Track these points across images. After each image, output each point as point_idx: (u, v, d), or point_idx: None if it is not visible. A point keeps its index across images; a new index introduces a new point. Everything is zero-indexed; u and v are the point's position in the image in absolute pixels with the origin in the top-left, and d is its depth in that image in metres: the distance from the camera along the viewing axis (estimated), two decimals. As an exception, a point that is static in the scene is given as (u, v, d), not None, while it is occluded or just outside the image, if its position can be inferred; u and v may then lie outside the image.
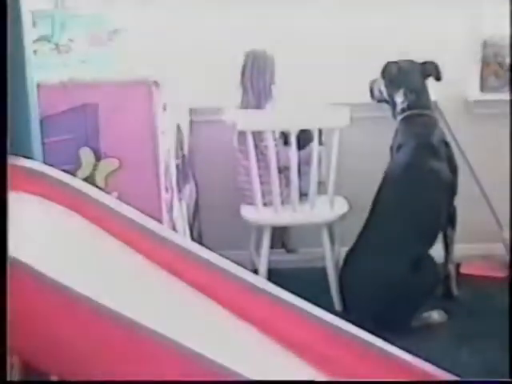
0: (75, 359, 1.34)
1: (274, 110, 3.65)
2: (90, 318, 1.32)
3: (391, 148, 3.64)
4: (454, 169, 3.61)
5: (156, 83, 2.88)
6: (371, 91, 3.85)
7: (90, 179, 2.82)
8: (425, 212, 3.43)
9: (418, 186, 3.46)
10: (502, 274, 3.98)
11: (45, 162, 1.94)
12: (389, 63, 3.75)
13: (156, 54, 3.36)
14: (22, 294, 1.30)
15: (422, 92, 3.69)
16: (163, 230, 1.97)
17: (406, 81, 3.69)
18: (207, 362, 1.33)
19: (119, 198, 2.64)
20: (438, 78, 3.70)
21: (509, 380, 2.62)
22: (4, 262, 1.28)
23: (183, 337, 1.35)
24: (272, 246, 3.75)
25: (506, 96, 4.02)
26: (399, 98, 3.69)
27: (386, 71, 3.75)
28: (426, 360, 1.94)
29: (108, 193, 2.53)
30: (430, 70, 3.69)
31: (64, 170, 1.88)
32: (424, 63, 3.71)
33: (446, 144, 3.64)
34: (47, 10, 3.14)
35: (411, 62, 3.75)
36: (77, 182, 1.89)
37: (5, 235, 1.32)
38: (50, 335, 1.33)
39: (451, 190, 3.58)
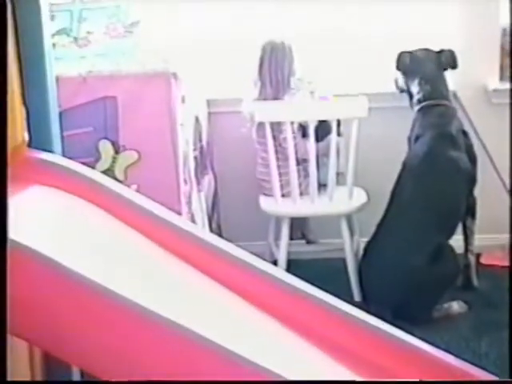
0: (77, 341, 1.35)
1: (292, 102, 3.63)
2: (94, 301, 1.32)
3: (409, 139, 3.62)
4: (473, 159, 3.59)
5: (174, 75, 2.88)
6: (396, 81, 3.82)
7: (109, 172, 2.83)
8: (444, 202, 3.42)
9: (437, 176, 3.44)
10: (523, 264, 3.96)
11: (64, 155, 1.94)
12: (402, 53, 3.71)
13: (174, 46, 3.36)
14: (26, 278, 1.31)
15: (439, 82, 3.65)
16: (182, 222, 1.97)
17: (421, 71, 3.66)
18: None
19: (138, 190, 2.65)
20: (453, 67, 3.67)
21: (509, 380, 2.61)
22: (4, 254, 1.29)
23: (202, 328, 1.35)
24: (291, 237, 3.75)
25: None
26: (415, 89, 3.66)
27: (399, 61, 3.71)
28: (446, 351, 1.94)
29: (127, 185, 2.54)
30: (447, 58, 3.66)
31: (83, 163, 1.89)
32: (440, 52, 3.68)
33: (465, 134, 3.61)
34: (65, 3, 3.15)
35: (426, 50, 3.71)
36: (96, 175, 1.90)
37: (5, 230, 1.33)
38: (51, 316, 1.33)
39: (470, 179, 3.56)
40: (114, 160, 2.89)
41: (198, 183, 3.35)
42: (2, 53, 1.55)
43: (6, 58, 1.58)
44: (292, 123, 3.54)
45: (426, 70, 3.66)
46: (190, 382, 1.33)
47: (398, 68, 3.73)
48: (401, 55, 3.71)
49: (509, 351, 2.89)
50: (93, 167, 2.27)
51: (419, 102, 3.63)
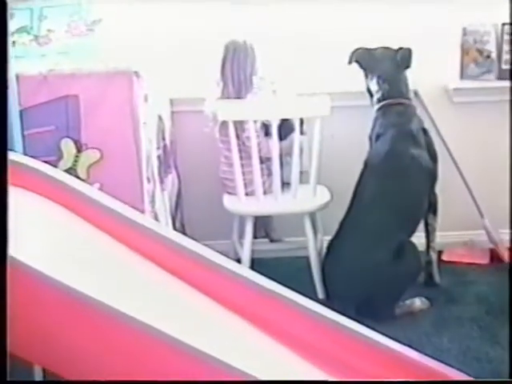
0: (74, 357, 1.34)
1: (254, 100, 3.63)
2: (88, 316, 1.32)
3: (370, 137, 3.63)
4: (433, 156, 3.62)
5: (137, 74, 2.87)
6: None
7: (71, 170, 2.81)
8: (406, 199, 3.44)
9: (398, 174, 3.47)
10: (484, 260, 4.01)
11: (26, 154, 1.93)
12: (358, 49, 3.72)
13: (137, 45, 3.35)
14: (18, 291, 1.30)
15: (397, 80, 3.66)
16: (145, 221, 1.97)
17: (379, 69, 3.67)
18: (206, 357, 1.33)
19: (101, 189, 2.63)
20: (407, 66, 3.67)
21: (509, 380, 2.65)
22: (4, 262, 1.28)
23: (170, 327, 1.35)
24: (255, 236, 3.75)
25: (485, 83, 4.03)
26: (374, 87, 3.67)
27: (353, 57, 3.72)
28: (409, 346, 1.96)
29: (90, 184, 2.52)
30: (403, 56, 3.66)
31: (45, 162, 1.87)
32: (398, 50, 3.70)
33: (425, 132, 3.65)
34: (25, 1, 3.12)
35: (384, 49, 3.72)
36: (58, 173, 1.88)
37: (5, 236, 1.32)
38: (49, 334, 1.33)
39: (432, 177, 3.59)
40: (76, 159, 2.87)
41: (162, 182, 3.34)
42: (2, 53, 1.53)
43: (6, 58, 1.56)
44: (255, 122, 3.54)
45: (384, 68, 3.67)
46: (189, 381, 1.33)
47: (349, 62, 3.72)
48: (356, 51, 3.72)
49: (509, 351, 2.92)
50: (55, 166, 2.26)
51: (379, 100, 3.64)
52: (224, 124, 3.58)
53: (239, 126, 3.58)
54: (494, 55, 4.03)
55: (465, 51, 4.06)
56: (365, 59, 3.71)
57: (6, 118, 1.50)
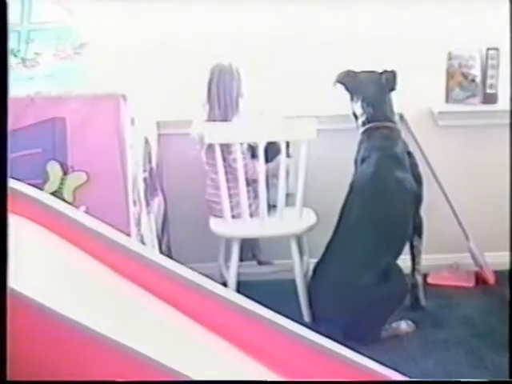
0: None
1: (241, 123, 3.65)
2: (89, 348, 1.33)
3: (355, 160, 3.64)
4: (418, 179, 3.64)
5: (124, 97, 2.88)
6: None
7: (57, 193, 2.81)
8: (391, 222, 3.46)
9: (384, 197, 3.49)
10: (469, 283, 4.02)
11: (12, 177, 1.93)
12: (344, 72, 3.76)
13: (124, 68, 3.37)
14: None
15: (382, 104, 3.68)
16: (131, 244, 1.97)
17: (364, 93, 3.70)
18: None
19: (87, 211, 2.63)
20: (392, 88, 3.70)
21: (509, 380, 2.65)
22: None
23: (150, 348, 1.35)
24: (242, 259, 3.75)
25: (470, 107, 4.06)
26: (358, 110, 3.70)
27: (338, 79, 3.75)
28: (395, 370, 1.96)
29: (76, 207, 2.52)
30: (388, 79, 3.69)
31: (31, 184, 1.87)
32: (382, 73, 3.73)
33: (410, 155, 3.67)
34: (13, 24, 3.13)
35: (369, 72, 3.75)
36: (44, 196, 1.88)
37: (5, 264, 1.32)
38: (46, 363, 1.33)
39: (417, 199, 3.61)
40: (63, 181, 2.87)
41: (148, 205, 3.34)
42: (2, 53, 1.53)
43: (6, 58, 1.56)
44: (241, 144, 3.55)
45: (369, 91, 3.69)
46: (191, 381, 1.33)
47: (334, 83, 3.75)
48: (341, 74, 3.75)
49: (509, 351, 2.92)
50: (41, 189, 2.25)
51: (364, 124, 3.66)
52: (210, 147, 3.59)
53: (226, 148, 3.59)
54: (478, 79, 4.07)
55: (450, 75, 4.09)
56: (350, 82, 3.74)
57: (6, 119, 1.50)
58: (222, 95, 3.67)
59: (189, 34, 3.95)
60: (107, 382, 1.36)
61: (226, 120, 3.65)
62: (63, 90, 2.90)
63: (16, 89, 2.76)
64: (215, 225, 3.71)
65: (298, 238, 3.74)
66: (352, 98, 3.74)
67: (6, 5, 1.58)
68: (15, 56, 3.02)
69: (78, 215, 1.92)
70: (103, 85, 2.96)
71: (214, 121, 3.66)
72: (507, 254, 3.93)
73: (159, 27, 3.90)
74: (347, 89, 3.75)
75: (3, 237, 1.33)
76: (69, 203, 2.64)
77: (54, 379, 1.34)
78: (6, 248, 1.34)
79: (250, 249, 4.03)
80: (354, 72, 3.75)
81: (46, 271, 1.61)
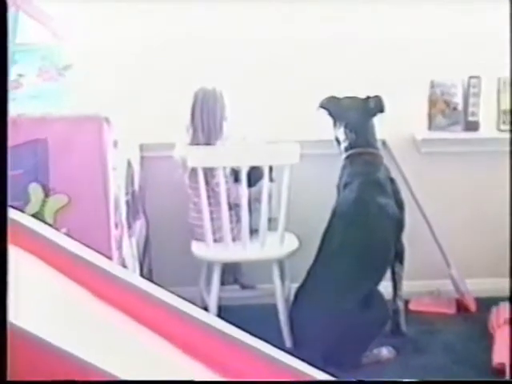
0: None
1: (224, 147, 3.65)
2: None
3: (338, 186, 3.66)
4: (400, 205, 3.65)
5: (107, 119, 2.87)
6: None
7: (38, 215, 2.79)
8: (372, 248, 3.46)
9: (366, 222, 3.49)
10: (450, 310, 4.03)
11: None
12: (327, 98, 3.79)
13: (107, 90, 3.36)
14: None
15: (365, 130, 3.71)
16: (112, 267, 1.96)
17: (346, 118, 3.72)
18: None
19: (68, 234, 2.61)
20: (381, 111, 3.72)
21: (509, 380, 2.65)
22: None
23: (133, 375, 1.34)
24: (223, 283, 3.74)
25: (452, 135, 4.11)
26: (341, 136, 3.72)
27: (322, 104, 3.78)
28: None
29: (57, 229, 2.50)
30: (375, 104, 3.73)
31: (12, 206, 1.86)
32: (367, 99, 3.75)
33: (392, 181, 3.68)
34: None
35: (352, 98, 3.78)
36: (24, 219, 1.87)
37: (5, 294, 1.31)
38: None
39: (398, 225, 3.62)
40: (44, 203, 2.85)
41: (130, 228, 3.33)
42: (2, 53, 1.51)
43: (6, 58, 1.54)
44: (224, 168, 3.55)
45: (352, 117, 3.72)
46: (191, 381, 1.32)
47: (318, 108, 3.78)
48: (325, 100, 3.77)
49: (509, 351, 2.91)
50: (22, 210, 2.24)
51: (346, 149, 3.68)
52: (193, 170, 3.59)
53: (209, 172, 3.59)
54: (460, 107, 4.11)
55: (432, 103, 4.13)
56: (333, 107, 3.76)
57: (7, 121, 1.49)
58: (205, 119, 3.68)
59: (172, 57, 3.97)
60: (107, 381, 1.35)
61: (209, 144, 3.66)
62: (46, 111, 2.89)
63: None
64: (197, 248, 3.70)
65: (280, 263, 3.74)
66: (335, 124, 3.76)
67: (6, 5, 1.57)
68: (-2, 77, 3.01)
69: (59, 238, 1.90)
70: (86, 107, 2.94)
71: (197, 144, 3.66)
72: (488, 280, 3.96)
73: (143, 50, 3.91)
74: (330, 114, 3.77)
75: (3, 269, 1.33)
76: (50, 225, 2.62)
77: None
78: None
79: (231, 273, 4.02)
80: (337, 97, 3.78)
81: (25, 294, 1.60)
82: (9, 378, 1.27)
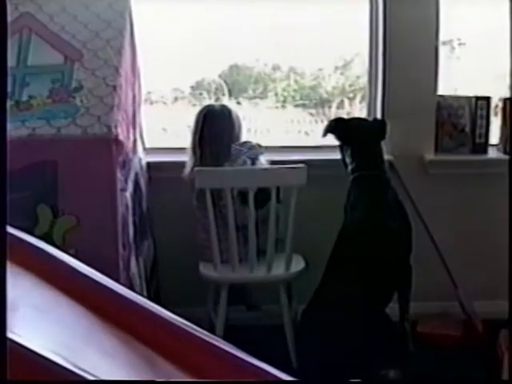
0: None
1: (232, 168, 3.66)
2: None
3: (345, 208, 3.65)
4: (408, 227, 3.64)
5: (116, 140, 2.90)
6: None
7: (47, 236, 2.81)
8: (380, 270, 3.45)
9: (373, 244, 3.48)
10: (457, 332, 4.01)
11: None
12: (334, 121, 3.80)
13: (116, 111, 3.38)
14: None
15: (372, 152, 3.70)
16: (120, 288, 1.97)
17: (354, 140, 3.72)
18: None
19: (76, 254, 2.63)
20: (382, 137, 3.73)
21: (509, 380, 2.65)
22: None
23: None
24: (231, 303, 3.74)
25: (459, 157, 4.11)
26: (348, 158, 3.72)
27: (328, 128, 3.78)
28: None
29: (65, 250, 2.52)
30: (379, 128, 3.73)
31: (21, 228, 1.88)
32: (373, 121, 3.76)
33: (399, 203, 3.68)
34: (9, 67, 3.15)
35: (359, 119, 3.79)
36: (33, 240, 1.89)
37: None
38: None
39: (406, 248, 3.61)
40: (53, 224, 2.87)
41: (137, 248, 3.34)
42: (2, 53, 1.53)
43: (6, 58, 1.56)
44: (232, 190, 3.57)
45: (359, 139, 3.72)
46: (190, 382, 1.33)
47: (324, 133, 3.78)
48: (332, 122, 3.79)
49: (509, 352, 2.90)
50: (31, 232, 2.25)
51: (353, 171, 3.68)
52: (201, 191, 3.60)
53: (216, 193, 3.61)
54: (467, 129, 4.12)
55: (440, 124, 4.13)
56: (340, 130, 3.76)
57: (6, 120, 1.51)
58: (213, 140, 3.69)
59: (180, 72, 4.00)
60: (108, 381, 1.36)
61: (217, 165, 3.67)
62: (56, 132, 2.91)
63: (8, 131, 2.79)
64: (205, 269, 3.71)
65: (287, 284, 3.74)
66: (342, 146, 3.76)
67: (6, 5, 1.59)
68: (9, 99, 3.04)
69: (68, 259, 1.92)
70: (96, 128, 2.96)
71: (205, 165, 3.67)
72: (495, 302, 3.94)
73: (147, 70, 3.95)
74: (338, 137, 3.77)
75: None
76: (58, 247, 2.64)
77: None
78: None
79: (239, 293, 4.02)
80: (344, 120, 3.79)
81: (30, 316, 1.61)
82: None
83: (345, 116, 4.02)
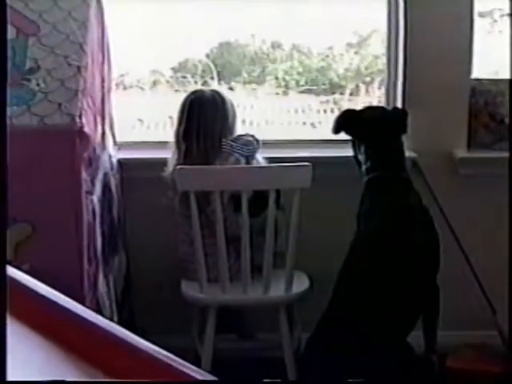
0: None
1: (222, 167, 3.65)
2: None
3: (358, 216, 3.64)
4: (434, 239, 3.62)
5: (80, 133, 2.89)
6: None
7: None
8: (400, 291, 3.44)
9: (391, 261, 3.46)
10: (497, 367, 3.99)
11: None
12: (344, 114, 3.80)
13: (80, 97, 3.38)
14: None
15: (391, 148, 3.69)
16: (84, 311, 1.96)
17: (368, 135, 3.72)
18: None
19: (30, 271, 2.62)
20: (403, 131, 3.74)
21: None
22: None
23: None
24: (220, 331, 3.74)
25: (497, 153, 4.08)
26: (362, 157, 3.71)
27: (340, 124, 3.77)
28: None
29: (17, 265, 2.51)
30: (400, 119, 3.73)
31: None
32: (392, 110, 3.75)
33: (424, 210, 3.66)
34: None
35: (374, 109, 3.79)
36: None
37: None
38: None
39: (432, 264, 3.60)
40: (2, 234, 2.86)
41: (106, 264, 3.34)
42: (2, 53, 1.55)
43: (6, 58, 1.58)
44: (222, 193, 3.56)
45: (375, 133, 3.71)
46: (191, 382, 1.33)
47: (340, 128, 3.78)
48: (341, 115, 3.79)
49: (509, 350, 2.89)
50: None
51: (368, 172, 3.66)
52: (185, 194, 3.59)
53: (203, 197, 3.60)
54: (507, 120, 4.10)
55: (474, 115, 4.12)
56: (351, 124, 3.75)
57: (5, 119, 1.52)
58: (201, 132, 3.68)
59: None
60: (107, 381, 1.36)
61: (205, 163, 3.66)
62: (8, 122, 2.90)
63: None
64: (188, 289, 3.71)
65: (288, 308, 3.74)
66: (354, 142, 3.75)
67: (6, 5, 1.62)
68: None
69: (20, 276, 1.91)
70: (56, 117, 2.95)
71: (191, 163, 3.65)
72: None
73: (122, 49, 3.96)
74: (349, 133, 3.75)
75: None
76: (9, 262, 2.63)
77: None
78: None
79: (229, 319, 4.02)
80: (356, 111, 3.77)
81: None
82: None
83: (360, 105, 3.99)
